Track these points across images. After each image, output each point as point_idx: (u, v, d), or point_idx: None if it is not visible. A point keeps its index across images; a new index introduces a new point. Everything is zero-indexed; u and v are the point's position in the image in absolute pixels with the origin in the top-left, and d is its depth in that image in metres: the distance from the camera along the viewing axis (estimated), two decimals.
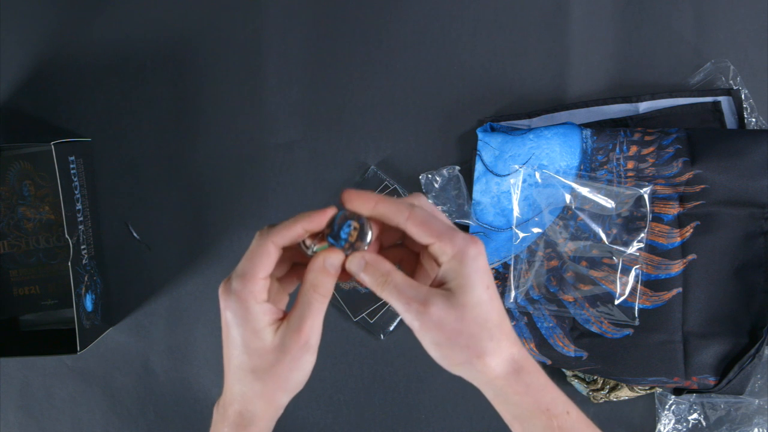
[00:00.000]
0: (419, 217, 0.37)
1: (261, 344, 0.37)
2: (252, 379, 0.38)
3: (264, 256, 0.37)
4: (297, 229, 0.37)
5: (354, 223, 0.38)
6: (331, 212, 0.38)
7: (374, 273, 0.38)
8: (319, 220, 0.37)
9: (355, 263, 0.38)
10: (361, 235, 0.38)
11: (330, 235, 0.38)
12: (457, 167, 0.66)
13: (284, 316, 0.39)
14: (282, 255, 0.39)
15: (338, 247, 0.38)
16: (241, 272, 0.37)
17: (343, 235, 0.38)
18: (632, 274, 0.61)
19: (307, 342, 0.38)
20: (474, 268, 0.36)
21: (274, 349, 0.37)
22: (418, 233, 0.37)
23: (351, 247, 0.38)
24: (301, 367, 0.38)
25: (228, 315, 0.38)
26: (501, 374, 0.37)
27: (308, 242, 0.39)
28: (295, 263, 0.42)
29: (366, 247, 0.38)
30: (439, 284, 0.37)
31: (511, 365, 0.37)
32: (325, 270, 0.38)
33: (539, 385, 0.38)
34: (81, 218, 0.65)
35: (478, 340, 0.36)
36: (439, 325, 0.36)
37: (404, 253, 0.41)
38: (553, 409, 0.38)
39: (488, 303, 0.37)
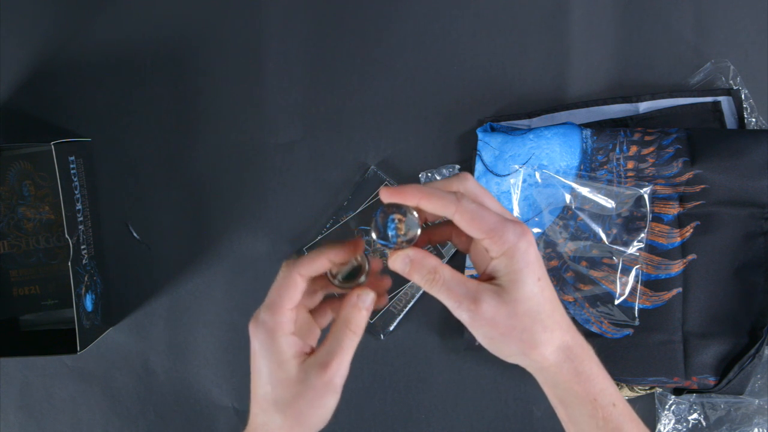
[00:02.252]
0: (467, 211, 0.36)
1: (285, 375, 0.37)
2: (273, 411, 0.38)
3: (291, 287, 0.38)
4: (323, 261, 0.38)
5: (397, 216, 0.37)
6: (360, 245, 0.38)
7: (421, 271, 0.37)
8: (346, 253, 0.38)
9: (399, 262, 0.38)
10: (409, 225, 0.37)
11: (379, 238, 0.37)
12: (457, 166, 0.67)
13: (311, 351, 0.39)
14: (313, 286, 0.39)
15: (391, 247, 0.38)
16: (268, 303, 0.38)
17: (390, 233, 0.37)
18: (632, 274, 0.61)
19: (332, 380, 0.37)
20: (525, 262, 0.36)
21: (298, 382, 0.37)
22: (468, 228, 0.36)
23: (404, 241, 0.37)
24: (322, 404, 0.38)
25: (256, 345, 0.38)
26: (553, 362, 0.37)
27: (334, 271, 0.39)
28: (327, 295, 0.42)
29: (418, 233, 0.37)
30: (489, 278, 0.37)
31: (564, 353, 0.38)
32: (357, 306, 0.38)
33: (590, 374, 0.38)
34: (81, 218, 0.65)
35: (532, 333, 0.37)
36: (492, 322, 0.36)
37: (453, 227, 0.40)
38: (600, 399, 0.38)
39: (540, 295, 0.37)
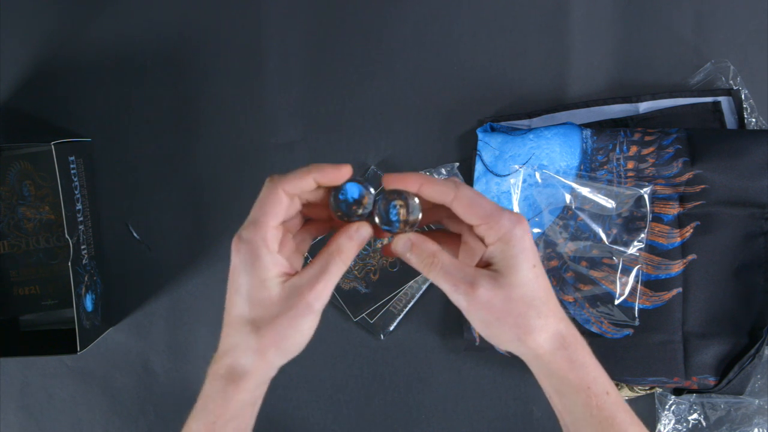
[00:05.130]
0: (466, 197, 0.37)
1: (266, 294, 0.36)
2: (248, 331, 0.37)
3: (275, 203, 0.37)
4: (308, 180, 0.37)
5: (398, 202, 0.38)
6: (345, 171, 0.37)
7: (421, 254, 0.38)
8: (332, 175, 0.37)
9: (401, 244, 0.38)
10: (410, 210, 0.38)
11: (382, 223, 0.38)
12: (456, 164, 0.67)
13: (295, 273, 0.38)
14: (294, 208, 0.39)
15: (395, 232, 0.38)
16: (252, 220, 0.37)
17: (393, 218, 0.38)
18: (632, 274, 0.61)
19: (314, 303, 0.36)
20: (520, 248, 0.37)
21: (279, 301, 0.36)
22: (465, 214, 0.37)
23: (406, 225, 0.38)
24: (300, 327, 0.37)
25: (236, 261, 0.37)
26: (548, 350, 0.38)
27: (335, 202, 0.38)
28: (307, 219, 0.41)
29: (419, 217, 0.38)
30: (486, 265, 0.38)
31: (558, 341, 0.38)
32: (353, 238, 0.38)
33: (583, 362, 0.38)
34: (81, 218, 0.65)
35: (527, 319, 0.37)
36: (488, 306, 0.37)
37: (443, 236, 0.41)
38: (594, 387, 0.38)
39: (535, 281, 0.37)
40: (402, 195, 0.38)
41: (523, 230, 0.37)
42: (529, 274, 0.37)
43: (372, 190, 0.38)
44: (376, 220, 0.38)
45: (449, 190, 0.37)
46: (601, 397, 0.38)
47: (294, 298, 0.36)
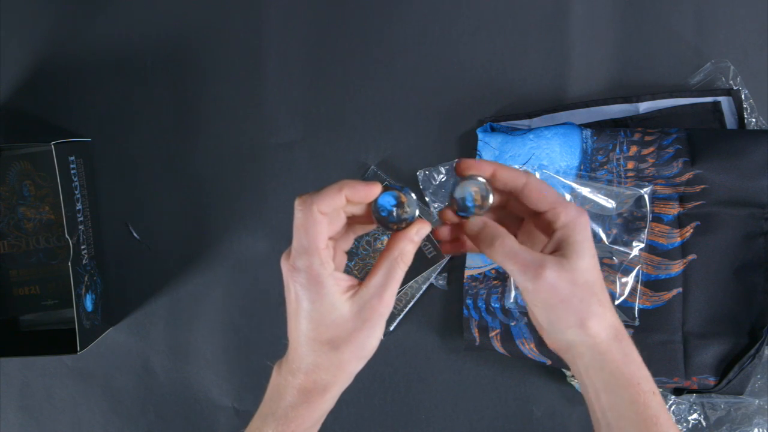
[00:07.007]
0: (536, 184, 0.39)
1: (337, 314, 0.38)
2: (328, 350, 0.38)
3: (316, 225, 0.37)
4: (341, 198, 0.37)
5: (473, 188, 0.39)
6: (376, 189, 0.38)
7: (489, 238, 0.39)
8: (363, 192, 0.38)
9: (473, 225, 0.40)
10: (485, 195, 0.40)
11: (458, 210, 0.40)
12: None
13: (357, 282, 0.39)
14: (340, 222, 0.39)
15: (469, 216, 0.40)
16: (302, 247, 0.37)
17: (468, 203, 0.40)
18: (632, 274, 0.61)
19: (385, 310, 0.38)
20: (585, 236, 0.38)
21: (352, 317, 0.38)
22: (536, 200, 0.39)
23: (480, 210, 0.40)
24: (376, 334, 0.39)
25: (298, 289, 0.38)
26: (605, 339, 0.39)
27: (395, 213, 0.39)
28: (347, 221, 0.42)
29: (491, 202, 0.40)
30: (551, 251, 0.39)
31: (614, 332, 0.39)
32: (414, 241, 0.39)
33: (634, 359, 0.40)
34: (81, 218, 0.65)
35: (588, 304, 0.38)
36: (553, 289, 0.37)
37: (504, 221, 0.42)
38: (643, 385, 0.39)
39: (595, 270, 0.39)
40: (477, 181, 0.39)
41: (587, 221, 0.39)
42: (592, 261, 0.38)
43: (407, 190, 0.39)
44: (453, 206, 0.40)
45: (521, 176, 0.39)
46: (648, 396, 0.39)
47: (366, 311, 0.38)
